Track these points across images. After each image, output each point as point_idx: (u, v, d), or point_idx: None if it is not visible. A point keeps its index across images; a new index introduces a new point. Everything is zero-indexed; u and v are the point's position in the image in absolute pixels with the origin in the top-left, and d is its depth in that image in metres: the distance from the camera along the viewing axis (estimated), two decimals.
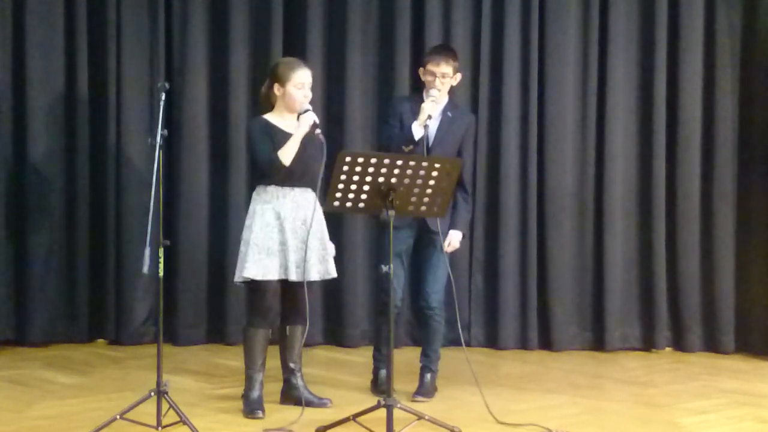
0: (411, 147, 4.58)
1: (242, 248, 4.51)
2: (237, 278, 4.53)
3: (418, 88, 4.92)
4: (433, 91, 4.69)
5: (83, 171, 6.13)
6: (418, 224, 4.76)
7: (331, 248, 4.63)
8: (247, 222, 4.53)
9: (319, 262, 4.55)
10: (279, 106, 4.57)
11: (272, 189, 4.49)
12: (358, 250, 6.19)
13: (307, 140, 4.45)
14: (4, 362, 5.63)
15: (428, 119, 4.59)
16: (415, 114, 4.67)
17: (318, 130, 4.43)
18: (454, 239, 4.86)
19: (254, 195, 4.56)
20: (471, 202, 5.19)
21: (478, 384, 4.50)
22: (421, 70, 4.86)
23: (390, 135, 4.76)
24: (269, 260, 4.44)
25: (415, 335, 6.09)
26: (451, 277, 4.78)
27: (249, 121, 4.65)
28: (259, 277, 4.43)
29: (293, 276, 4.46)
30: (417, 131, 4.61)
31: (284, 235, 4.45)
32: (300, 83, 4.50)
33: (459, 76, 4.86)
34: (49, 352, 5.93)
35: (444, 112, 4.81)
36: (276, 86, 4.54)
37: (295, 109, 4.51)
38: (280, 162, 4.40)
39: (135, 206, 6.09)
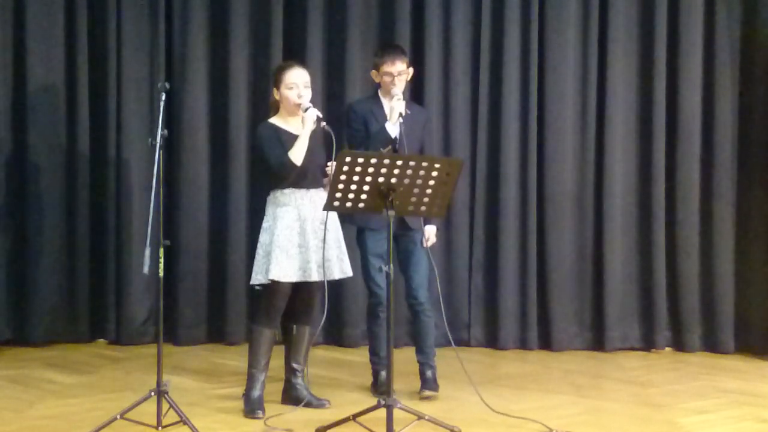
0: (389, 147, 4.64)
1: (261, 251, 4.50)
2: (257, 281, 4.51)
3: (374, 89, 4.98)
4: (395, 90, 4.74)
5: (83, 171, 6.14)
6: (396, 223, 4.76)
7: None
8: (265, 225, 4.53)
9: (338, 261, 4.58)
10: (281, 109, 4.60)
11: (289, 191, 4.50)
12: (358, 250, 6.18)
13: (315, 142, 4.48)
14: (5, 362, 5.64)
15: (400, 117, 4.64)
16: (377, 116, 4.75)
17: (323, 123, 4.45)
18: (431, 234, 4.92)
19: (270, 199, 4.56)
20: None
21: (469, 376, 4.51)
22: (373, 72, 4.89)
23: (360, 140, 4.80)
24: (288, 262, 4.44)
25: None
26: (436, 273, 4.71)
27: (258, 127, 4.65)
28: (280, 279, 4.42)
29: (315, 276, 4.47)
30: (392, 129, 4.66)
31: (305, 237, 4.47)
32: (292, 83, 4.51)
33: (411, 70, 4.93)
34: (49, 352, 5.93)
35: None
36: (274, 90, 4.59)
37: (291, 110, 4.53)
38: (292, 163, 4.41)
39: (135, 206, 6.10)
